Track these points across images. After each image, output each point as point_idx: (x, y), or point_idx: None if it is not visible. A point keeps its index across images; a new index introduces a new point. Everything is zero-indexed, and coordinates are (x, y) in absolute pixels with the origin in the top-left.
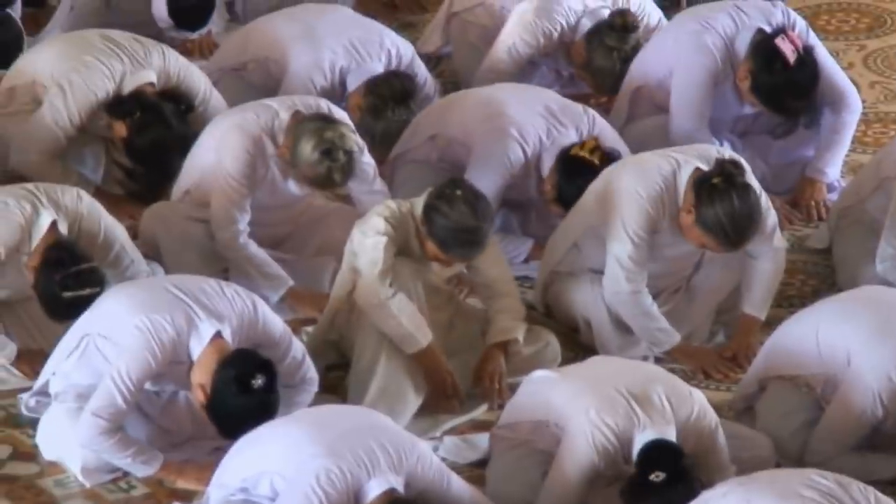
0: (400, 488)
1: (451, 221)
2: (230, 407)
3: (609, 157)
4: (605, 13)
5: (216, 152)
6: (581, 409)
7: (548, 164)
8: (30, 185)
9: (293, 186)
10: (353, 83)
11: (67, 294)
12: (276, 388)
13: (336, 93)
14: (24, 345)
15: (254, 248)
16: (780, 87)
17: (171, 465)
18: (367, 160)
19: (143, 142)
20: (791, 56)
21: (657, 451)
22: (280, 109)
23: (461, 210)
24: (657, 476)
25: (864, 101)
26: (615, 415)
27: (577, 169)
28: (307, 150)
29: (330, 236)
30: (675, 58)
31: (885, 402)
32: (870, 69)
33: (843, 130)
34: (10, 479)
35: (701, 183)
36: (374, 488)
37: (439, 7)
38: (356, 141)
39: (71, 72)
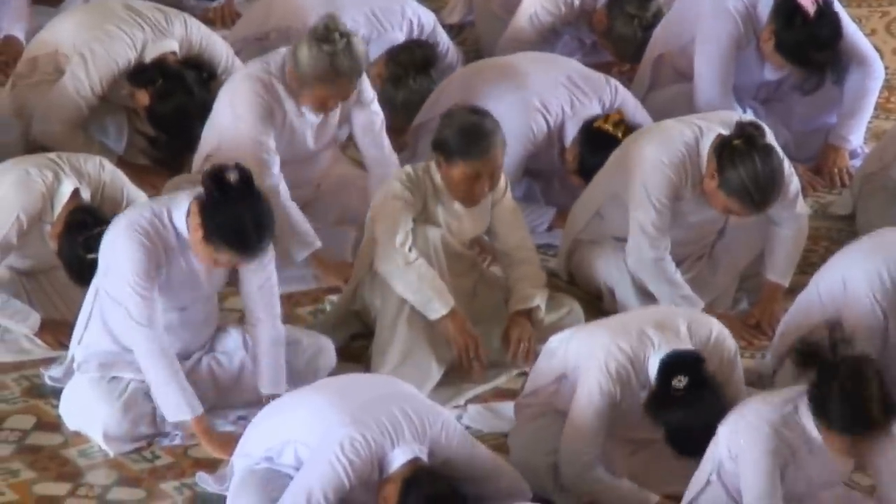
0: (424, 457)
1: (455, 124)
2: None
3: (632, 131)
4: None
5: (231, 107)
6: (595, 344)
7: (571, 134)
8: (52, 154)
9: (310, 139)
10: (375, 53)
11: (91, 256)
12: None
13: None
14: (48, 315)
15: (289, 200)
16: (804, 41)
17: (202, 423)
18: (367, 86)
19: (166, 109)
20: (811, 9)
21: (676, 358)
22: (287, 55)
23: (463, 114)
24: (679, 381)
25: (886, 68)
26: (628, 338)
27: (601, 142)
28: (304, 51)
29: (350, 205)
30: (696, 24)
31: (880, 301)
32: (893, 35)
33: (865, 97)
34: (35, 449)
35: (722, 147)
36: (399, 457)
37: None
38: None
39: (93, 41)
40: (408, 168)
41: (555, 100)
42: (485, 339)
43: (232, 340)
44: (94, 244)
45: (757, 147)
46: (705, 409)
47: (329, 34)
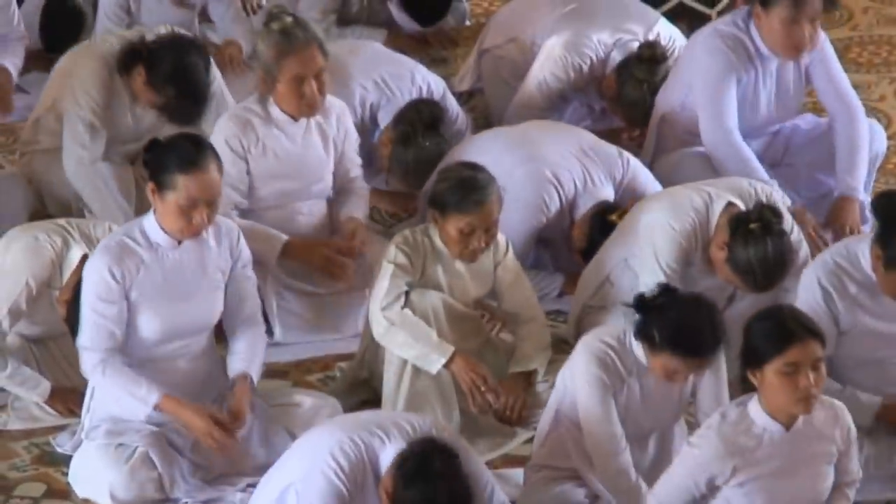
0: None
1: (449, 178)
2: None
3: None
4: (635, 45)
5: None
6: (575, 356)
7: (582, 207)
8: (61, 220)
9: (298, 146)
10: (385, 119)
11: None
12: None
13: (366, 128)
14: (58, 382)
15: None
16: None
17: (170, 401)
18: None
19: (163, 69)
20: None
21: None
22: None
23: (458, 169)
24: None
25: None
26: (607, 330)
27: (611, 232)
28: (259, 44)
29: (359, 270)
30: (690, 71)
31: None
32: None
33: (858, 141)
34: None
35: (738, 224)
36: (391, 453)
37: (471, 41)
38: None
39: (74, 72)
40: (406, 231)
41: (567, 173)
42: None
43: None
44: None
45: (772, 233)
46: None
47: (275, 16)
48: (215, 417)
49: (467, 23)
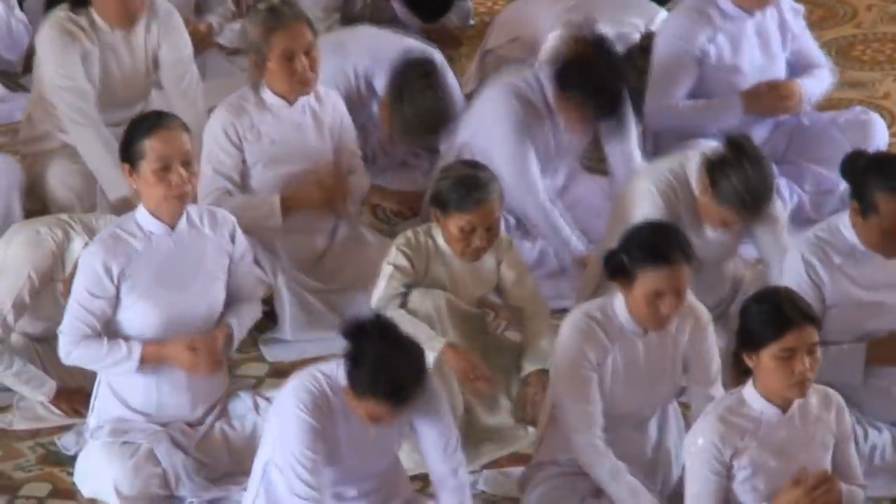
0: None
1: (451, 177)
2: None
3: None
4: (636, 37)
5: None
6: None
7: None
8: (63, 215)
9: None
10: (382, 87)
11: None
12: None
13: (363, 99)
14: (63, 383)
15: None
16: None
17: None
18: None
19: None
20: None
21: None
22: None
23: (459, 167)
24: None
25: None
26: (594, 302)
27: (575, 71)
28: (248, 27)
29: (363, 268)
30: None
31: None
32: None
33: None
34: None
35: (712, 161)
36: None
37: (476, 41)
38: None
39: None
40: (409, 232)
41: None
42: (496, 402)
43: (243, 405)
44: None
45: (746, 154)
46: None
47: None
48: (194, 344)
49: (471, 21)
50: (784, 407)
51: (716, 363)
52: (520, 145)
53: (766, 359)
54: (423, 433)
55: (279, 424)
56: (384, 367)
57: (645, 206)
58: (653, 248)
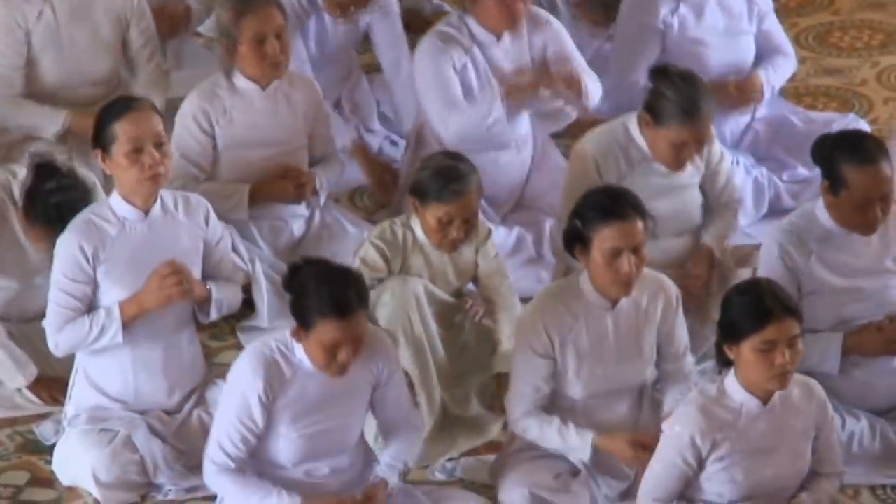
0: None
1: (431, 167)
2: None
3: None
4: None
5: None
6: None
7: None
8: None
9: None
10: None
11: (54, 199)
12: None
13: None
14: (42, 371)
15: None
16: None
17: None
18: None
19: None
20: None
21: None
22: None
23: (439, 158)
24: None
25: (877, 118)
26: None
27: None
28: (217, 12)
29: (340, 256)
30: None
31: None
32: (883, 86)
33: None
34: None
35: (646, 100)
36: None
37: None
38: None
39: None
40: (385, 223)
41: None
42: (475, 392)
43: (220, 392)
44: (56, 190)
45: (671, 73)
46: None
47: None
48: (162, 271)
49: (446, 8)
50: (765, 399)
51: (685, 337)
52: (438, 64)
53: (746, 351)
54: (383, 395)
55: (224, 392)
56: (322, 284)
57: (580, 167)
58: (604, 206)
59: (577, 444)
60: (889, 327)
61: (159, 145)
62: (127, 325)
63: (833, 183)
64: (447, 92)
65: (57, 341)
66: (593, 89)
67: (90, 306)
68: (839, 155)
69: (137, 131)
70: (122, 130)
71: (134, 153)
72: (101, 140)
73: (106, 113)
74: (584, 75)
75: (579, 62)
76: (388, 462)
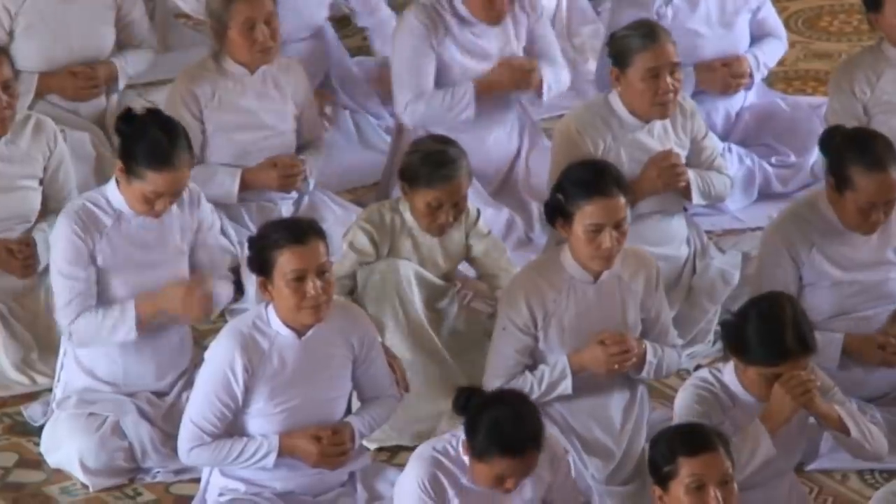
0: None
1: (420, 151)
2: None
3: None
4: None
5: None
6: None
7: None
8: None
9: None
10: None
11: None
12: None
13: None
14: (42, 339)
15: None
16: None
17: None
18: None
19: None
20: None
21: None
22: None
23: (429, 143)
24: None
25: None
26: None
27: None
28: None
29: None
30: None
31: None
32: None
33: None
34: (16, 486)
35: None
36: None
37: None
38: None
39: None
40: (373, 206)
41: None
42: (469, 371)
43: None
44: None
45: (630, 26)
46: None
47: None
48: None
49: None
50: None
51: (668, 312)
52: (416, 50)
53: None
54: (364, 372)
55: (202, 371)
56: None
57: (564, 144)
58: (586, 182)
59: (556, 376)
60: (891, 345)
61: (177, 193)
62: (143, 324)
63: (839, 181)
64: (419, 80)
65: (70, 330)
66: (553, 81)
67: (95, 291)
68: (848, 155)
69: (164, 188)
70: (151, 179)
71: (152, 199)
72: (126, 162)
73: (143, 146)
74: (548, 68)
75: (553, 51)
76: (356, 412)
